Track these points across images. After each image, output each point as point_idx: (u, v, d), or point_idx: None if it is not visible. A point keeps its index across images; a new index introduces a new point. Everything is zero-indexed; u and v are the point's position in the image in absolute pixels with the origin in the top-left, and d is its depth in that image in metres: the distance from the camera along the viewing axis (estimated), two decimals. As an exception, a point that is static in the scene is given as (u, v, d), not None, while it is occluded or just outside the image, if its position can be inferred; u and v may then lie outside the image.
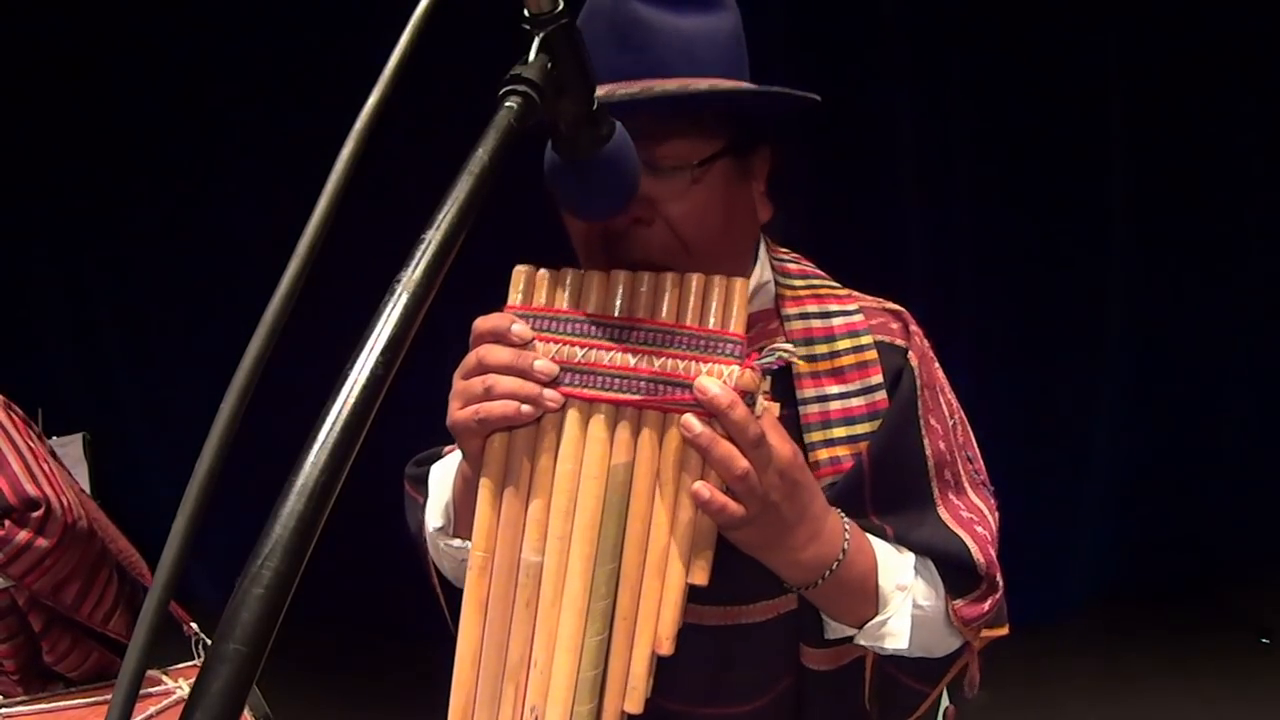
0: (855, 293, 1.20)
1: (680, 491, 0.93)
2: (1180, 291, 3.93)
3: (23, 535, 1.62)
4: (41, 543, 1.63)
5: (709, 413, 0.91)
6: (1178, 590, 4.05)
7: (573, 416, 0.94)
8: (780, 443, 0.95)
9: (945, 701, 1.33)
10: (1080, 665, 3.70)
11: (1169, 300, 3.93)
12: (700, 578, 0.93)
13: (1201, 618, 3.96)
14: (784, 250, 1.22)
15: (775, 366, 0.97)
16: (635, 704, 0.92)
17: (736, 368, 0.92)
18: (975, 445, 1.25)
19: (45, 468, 1.71)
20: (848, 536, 1.04)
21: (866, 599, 1.07)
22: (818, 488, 1.02)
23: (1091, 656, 3.77)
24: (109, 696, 1.69)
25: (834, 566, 1.02)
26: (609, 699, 0.92)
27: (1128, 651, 3.78)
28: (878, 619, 1.08)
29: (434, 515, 1.22)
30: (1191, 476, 4.03)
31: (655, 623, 0.92)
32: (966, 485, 1.18)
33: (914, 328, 1.17)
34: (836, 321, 1.14)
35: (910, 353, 1.14)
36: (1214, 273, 3.94)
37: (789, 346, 1.03)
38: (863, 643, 1.10)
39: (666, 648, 0.92)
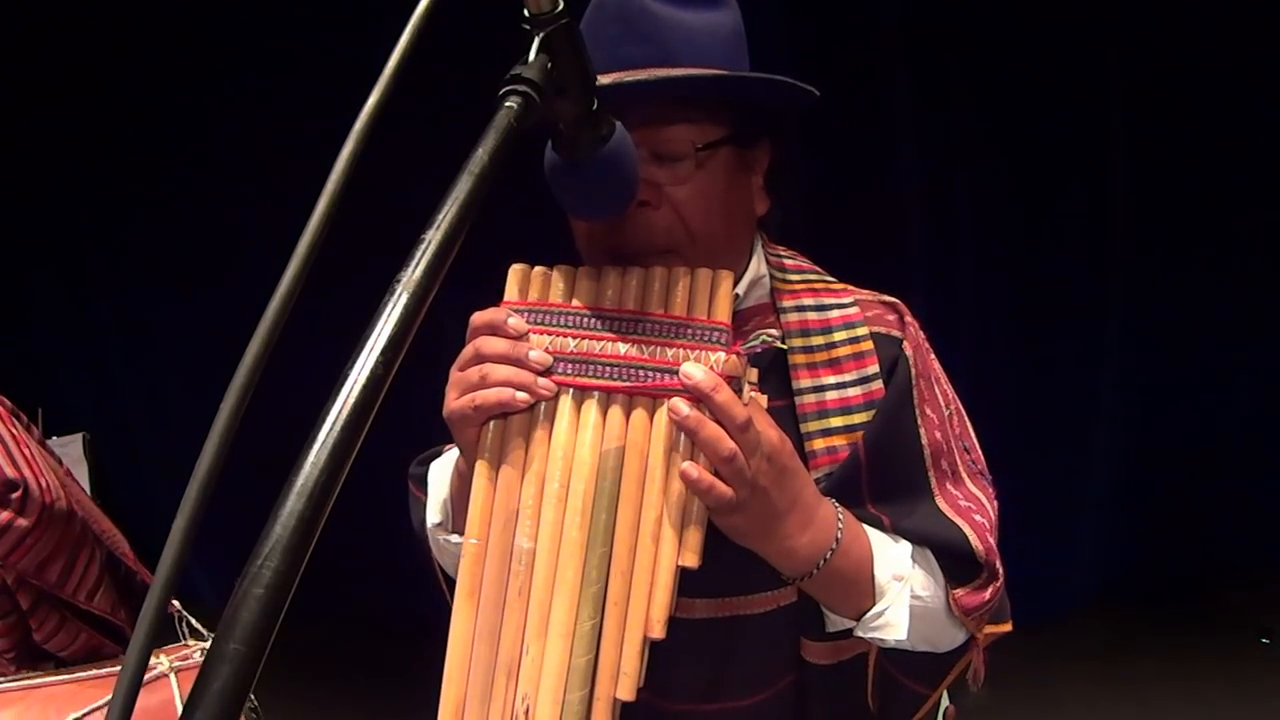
0: (851, 286, 1.21)
1: (670, 476, 0.94)
2: (1180, 291, 3.93)
3: (3, 516, 1.68)
4: (21, 522, 1.69)
5: (695, 398, 0.93)
6: (1178, 591, 4.05)
7: (566, 404, 0.97)
8: (767, 429, 0.97)
9: (945, 702, 1.33)
10: (1080, 666, 3.70)
11: (1169, 299, 3.93)
12: (691, 560, 0.93)
13: (1201, 618, 3.96)
14: (780, 246, 1.24)
15: (759, 350, 0.98)
16: (628, 691, 0.92)
17: (722, 354, 0.95)
18: (972, 435, 1.25)
19: (26, 452, 1.77)
20: (841, 525, 1.04)
21: (863, 589, 1.08)
22: (808, 476, 1.03)
23: (1091, 657, 3.77)
24: (97, 672, 1.71)
25: (828, 556, 1.03)
26: (601, 686, 0.93)
27: (1127, 652, 3.77)
28: (875, 609, 1.08)
29: (433, 511, 1.23)
30: (1191, 476, 4.03)
31: (647, 607, 0.93)
32: (964, 474, 1.18)
33: (909, 319, 1.18)
34: (832, 314, 1.15)
35: (905, 343, 1.15)
36: (1214, 272, 3.94)
37: (774, 331, 1.04)
38: (861, 635, 1.10)
39: (658, 631, 0.93)
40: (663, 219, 1.06)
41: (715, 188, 1.08)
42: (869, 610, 1.08)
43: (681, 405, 0.92)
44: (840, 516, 1.05)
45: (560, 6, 0.76)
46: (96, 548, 1.86)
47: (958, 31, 3.66)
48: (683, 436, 0.94)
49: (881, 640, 1.09)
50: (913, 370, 1.13)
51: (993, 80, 3.68)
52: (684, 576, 0.95)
